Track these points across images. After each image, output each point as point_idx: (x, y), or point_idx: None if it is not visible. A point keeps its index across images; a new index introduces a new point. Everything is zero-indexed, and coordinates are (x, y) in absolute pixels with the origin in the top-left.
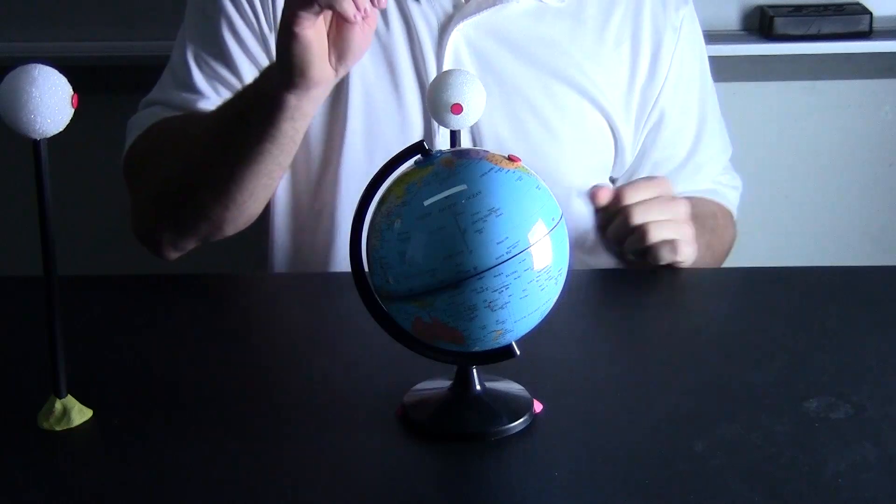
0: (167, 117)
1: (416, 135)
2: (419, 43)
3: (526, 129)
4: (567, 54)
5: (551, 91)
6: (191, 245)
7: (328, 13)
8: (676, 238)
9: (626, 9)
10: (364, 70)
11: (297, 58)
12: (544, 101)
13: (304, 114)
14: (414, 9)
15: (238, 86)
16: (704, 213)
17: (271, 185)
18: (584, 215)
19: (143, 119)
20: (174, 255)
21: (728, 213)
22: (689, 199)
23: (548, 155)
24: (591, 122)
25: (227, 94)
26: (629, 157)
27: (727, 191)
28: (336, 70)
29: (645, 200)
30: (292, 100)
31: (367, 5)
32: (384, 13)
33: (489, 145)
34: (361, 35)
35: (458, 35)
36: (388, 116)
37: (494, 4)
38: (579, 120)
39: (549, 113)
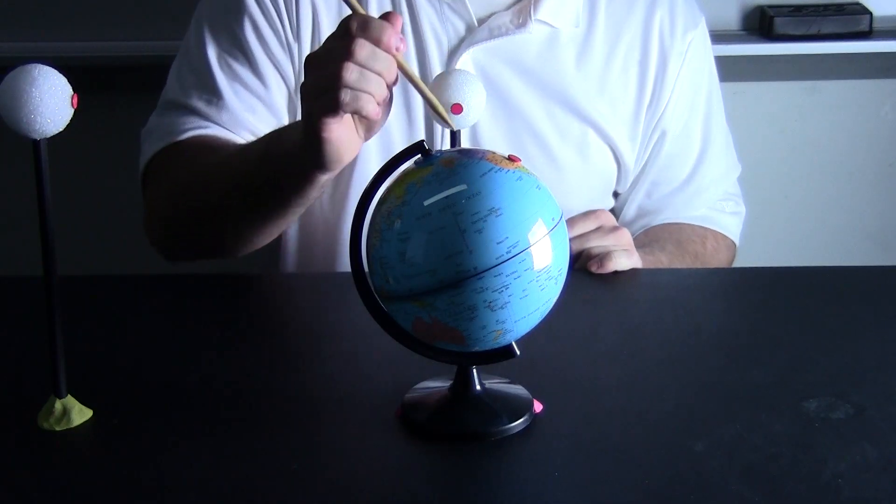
0: (188, 139)
1: None
2: (429, 63)
3: (527, 154)
4: (574, 82)
5: (555, 117)
6: (201, 258)
7: None
8: (614, 248)
9: (635, 34)
10: None
11: (328, 155)
12: (547, 127)
13: (330, 182)
14: (426, 29)
15: (261, 90)
16: (688, 238)
17: (285, 228)
18: None
19: (163, 128)
20: (184, 261)
21: (722, 238)
22: (673, 225)
23: (548, 179)
24: (594, 148)
25: (247, 98)
26: (631, 176)
27: (724, 217)
28: (364, 139)
29: (586, 233)
30: (324, 178)
31: (385, 93)
32: None
33: None
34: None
35: (468, 58)
36: (397, 129)
37: (507, 34)
38: (582, 146)
39: (551, 138)
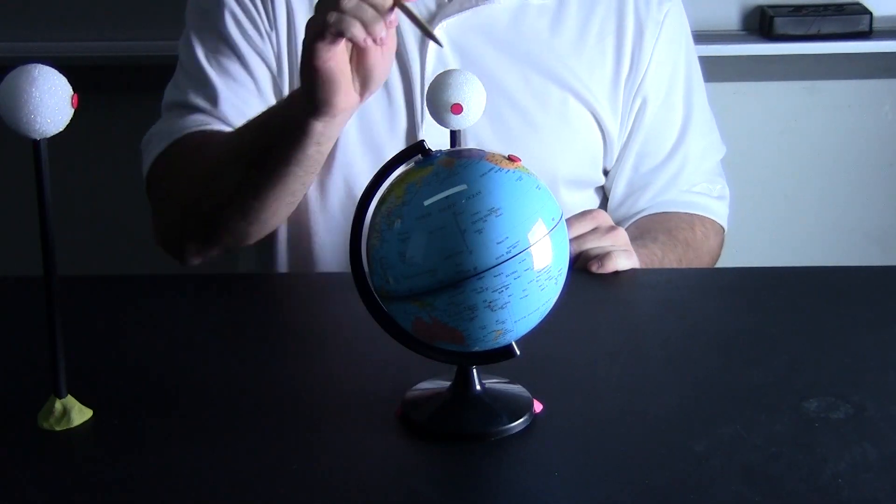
0: (188, 134)
1: (402, 127)
2: (402, 38)
3: (505, 122)
4: (549, 48)
5: (532, 84)
6: (214, 253)
7: (349, 43)
8: (612, 248)
9: (609, 5)
10: None
11: (321, 89)
12: (525, 94)
13: (329, 138)
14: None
15: (249, 81)
16: (677, 227)
17: (294, 203)
18: (572, 204)
19: (162, 131)
20: (197, 261)
21: (710, 223)
22: (661, 214)
23: (527, 146)
24: (574, 113)
25: (239, 91)
26: (617, 148)
27: (710, 201)
28: (361, 96)
29: (583, 234)
30: (319, 126)
31: (379, 31)
32: None
33: (468, 139)
34: (382, 60)
35: (441, 32)
36: (377, 109)
37: (477, 5)
38: (562, 112)
39: (529, 105)
